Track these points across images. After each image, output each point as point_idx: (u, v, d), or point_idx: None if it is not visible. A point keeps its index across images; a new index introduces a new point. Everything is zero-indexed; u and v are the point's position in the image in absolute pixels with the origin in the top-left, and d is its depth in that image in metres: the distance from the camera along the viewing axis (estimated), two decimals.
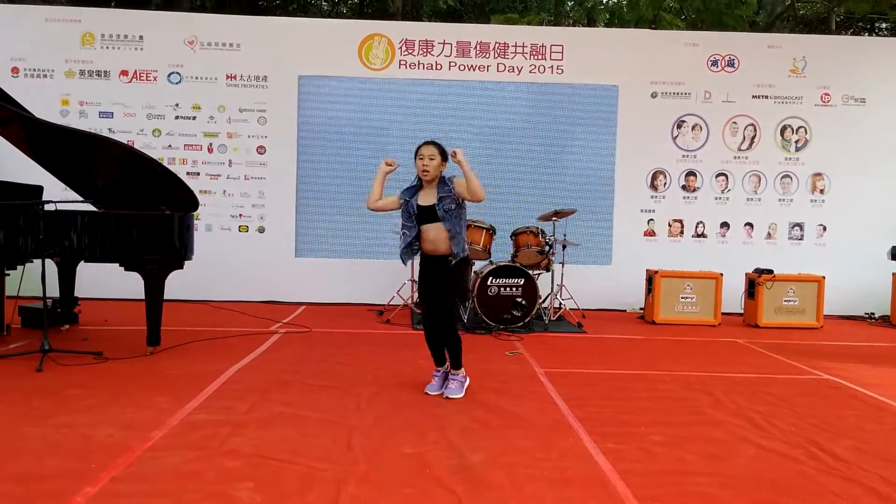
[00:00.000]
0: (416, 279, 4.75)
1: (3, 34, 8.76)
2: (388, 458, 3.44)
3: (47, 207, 5.35)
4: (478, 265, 8.03)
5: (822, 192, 9.40)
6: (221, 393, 4.58)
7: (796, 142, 9.37)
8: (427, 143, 4.52)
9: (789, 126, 9.34)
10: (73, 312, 6.91)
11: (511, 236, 7.85)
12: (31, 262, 6.04)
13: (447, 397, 4.54)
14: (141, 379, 4.88)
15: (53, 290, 6.59)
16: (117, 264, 5.61)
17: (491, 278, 7.33)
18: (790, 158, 9.38)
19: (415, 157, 4.51)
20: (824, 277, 8.43)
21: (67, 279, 6.79)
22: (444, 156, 4.50)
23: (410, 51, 9.08)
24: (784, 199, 9.39)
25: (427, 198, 4.51)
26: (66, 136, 5.75)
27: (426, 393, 4.62)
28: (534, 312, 7.40)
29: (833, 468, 3.49)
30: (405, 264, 4.77)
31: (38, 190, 6.33)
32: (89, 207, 6.02)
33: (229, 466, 3.27)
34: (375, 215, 7.18)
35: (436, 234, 4.48)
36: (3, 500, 2.85)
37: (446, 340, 4.62)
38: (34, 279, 5.70)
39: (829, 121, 9.31)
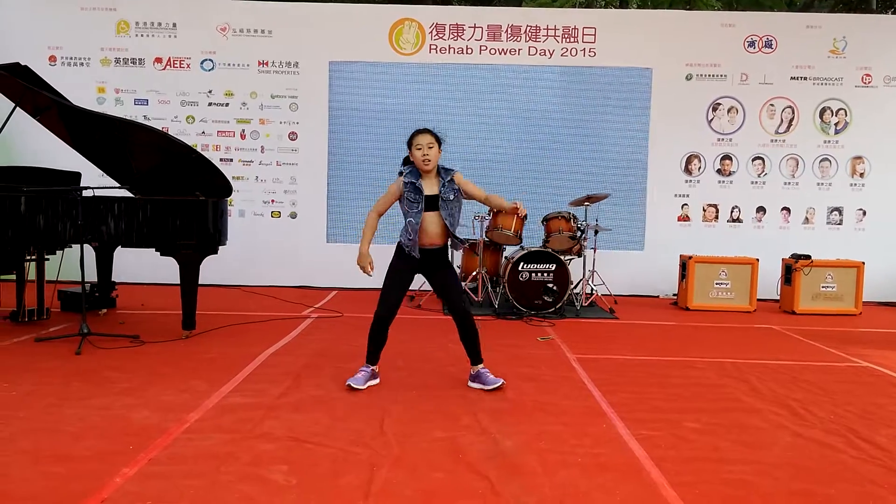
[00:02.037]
0: (393, 267, 4.37)
1: (41, 23, 8.89)
2: (421, 443, 3.45)
3: (85, 193, 5.44)
4: (509, 250, 8.01)
5: (861, 175, 9.19)
6: (255, 376, 4.62)
7: (836, 124, 9.16)
8: (421, 131, 4.23)
9: (829, 108, 9.14)
10: (111, 297, 7.02)
11: (542, 221, 7.80)
12: (70, 247, 6.16)
13: (490, 388, 4.35)
14: (177, 362, 4.95)
15: (91, 275, 6.71)
16: (153, 249, 5.68)
17: (522, 263, 7.30)
18: (829, 141, 9.18)
19: (409, 147, 4.24)
20: (864, 263, 8.25)
21: (105, 264, 6.90)
22: (439, 142, 4.26)
23: (441, 35, 9.03)
24: (823, 184, 9.21)
25: (429, 186, 4.27)
26: (103, 123, 5.83)
27: (350, 386, 4.29)
28: (565, 298, 7.35)
29: (873, 457, 3.42)
30: (418, 256, 4.30)
31: (77, 176, 6.43)
32: (125, 193, 6.11)
33: (264, 449, 3.31)
34: None
35: (435, 225, 4.26)
36: (44, 480, 2.91)
37: (472, 331, 4.37)
38: (73, 264, 5.81)
39: (870, 102, 9.09)
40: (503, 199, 4.55)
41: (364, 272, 4.31)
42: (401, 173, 4.32)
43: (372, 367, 4.45)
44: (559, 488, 2.96)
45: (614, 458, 3.32)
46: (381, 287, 4.39)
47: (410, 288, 4.52)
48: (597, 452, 3.38)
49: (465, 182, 4.36)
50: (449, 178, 4.29)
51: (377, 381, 4.48)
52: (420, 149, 4.20)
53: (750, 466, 3.26)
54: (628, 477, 3.11)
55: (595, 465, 3.22)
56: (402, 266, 4.36)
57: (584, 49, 9.03)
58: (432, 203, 4.26)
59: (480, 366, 4.45)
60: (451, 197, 4.28)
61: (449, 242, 4.37)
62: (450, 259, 4.48)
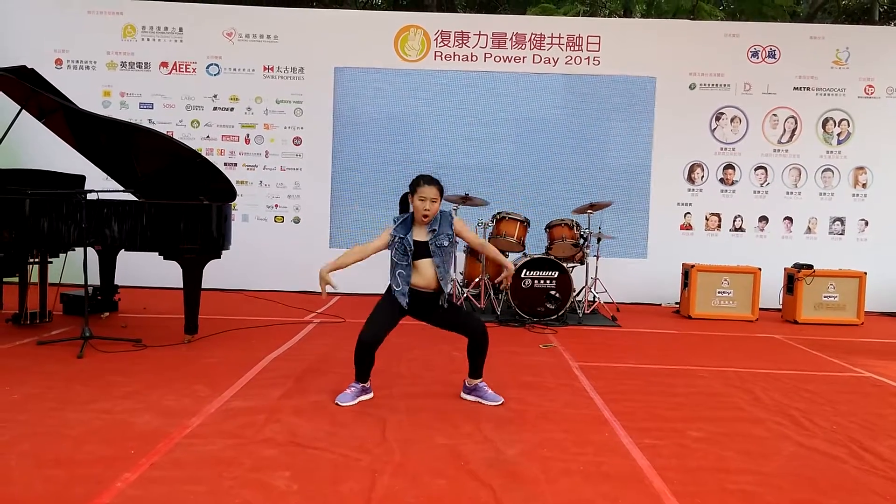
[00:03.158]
0: (385, 300, 4.24)
1: (47, 26, 8.92)
2: (423, 450, 3.45)
3: (89, 197, 5.45)
4: (512, 257, 7.99)
5: (864, 186, 9.19)
6: (258, 381, 4.62)
7: (838, 135, 9.17)
8: (428, 181, 4.08)
9: (831, 118, 9.15)
10: (113, 300, 7.03)
11: (545, 228, 7.80)
12: (73, 250, 6.17)
13: (489, 405, 4.26)
14: (179, 366, 4.95)
15: (94, 279, 6.72)
16: (156, 253, 5.69)
17: (525, 270, 7.30)
18: (832, 151, 9.19)
19: (411, 193, 4.10)
20: (866, 273, 8.24)
21: (108, 267, 6.91)
22: (442, 194, 4.12)
23: (446, 42, 9.06)
24: (825, 193, 9.21)
25: (420, 233, 4.14)
26: (108, 127, 5.85)
27: (337, 404, 4.14)
28: (568, 305, 7.35)
29: (876, 467, 3.41)
30: (406, 307, 4.17)
31: (81, 179, 6.44)
32: (129, 197, 6.11)
33: (266, 454, 3.30)
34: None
35: (428, 270, 4.13)
36: (46, 484, 2.91)
37: (484, 347, 4.26)
38: (76, 267, 5.82)
39: (873, 113, 9.10)
40: (499, 253, 4.46)
41: (320, 286, 4.20)
42: (395, 220, 4.20)
43: (362, 384, 4.29)
44: (561, 496, 2.96)
45: (617, 467, 3.31)
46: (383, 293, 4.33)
47: None
48: (599, 461, 3.38)
49: (464, 229, 4.25)
50: (447, 226, 4.15)
51: (370, 395, 4.31)
52: (423, 201, 4.05)
53: (752, 476, 3.25)
54: (630, 486, 3.10)
55: (597, 474, 3.21)
56: (393, 306, 4.21)
57: (589, 57, 9.05)
58: (423, 249, 4.13)
59: (479, 380, 4.37)
60: (446, 244, 4.15)
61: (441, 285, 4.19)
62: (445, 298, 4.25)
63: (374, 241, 4.22)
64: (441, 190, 4.12)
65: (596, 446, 3.59)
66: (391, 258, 4.19)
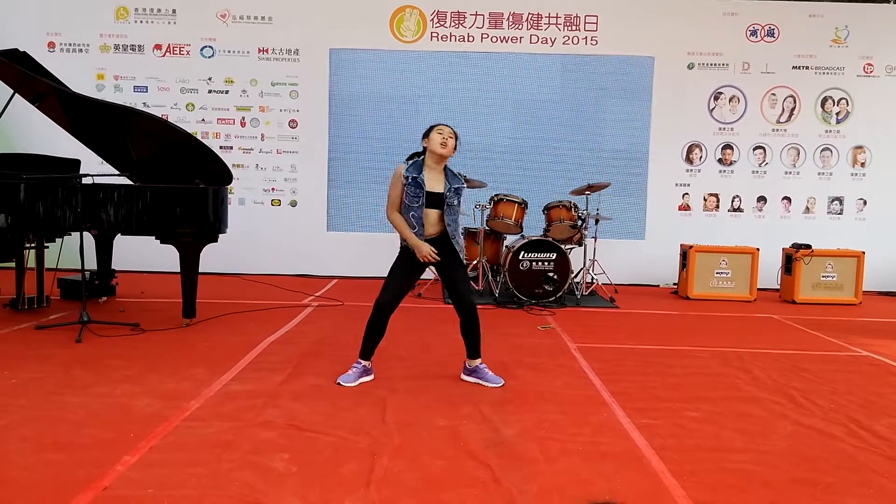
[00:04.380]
0: (399, 261, 4.28)
1: (40, 9, 8.84)
2: (422, 431, 3.45)
3: (85, 181, 5.42)
4: (510, 239, 8.00)
5: (862, 165, 9.18)
6: (256, 364, 4.62)
7: (837, 114, 9.14)
8: (444, 124, 4.25)
9: (830, 98, 9.11)
10: (111, 285, 7.02)
11: (543, 210, 7.78)
12: (70, 234, 6.15)
13: (489, 386, 4.26)
14: (177, 350, 4.95)
15: (91, 263, 6.71)
16: (153, 237, 5.67)
17: (523, 252, 7.29)
18: (830, 131, 9.16)
19: (429, 132, 4.20)
20: (864, 253, 8.24)
21: (105, 252, 6.89)
22: (457, 139, 4.22)
23: (442, 23, 8.99)
24: (823, 173, 9.19)
25: (433, 182, 4.18)
26: (102, 110, 5.80)
27: (339, 384, 4.16)
28: (566, 287, 7.35)
29: (874, 446, 3.42)
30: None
31: (76, 164, 6.41)
32: (125, 181, 6.09)
33: (265, 437, 3.31)
34: None
35: (435, 222, 4.20)
36: (46, 468, 2.91)
37: (474, 326, 4.28)
38: (72, 252, 5.81)
39: (872, 92, 9.07)
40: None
41: (431, 259, 4.18)
42: (406, 162, 4.26)
43: (364, 363, 4.29)
44: (560, 476, 2.97)
45: (615, 447, 3.32)
46: (381, 276, 4.33)
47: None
48: (597, 441, 3.39)
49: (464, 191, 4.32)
50: (457, 182, 4.22)
51: (371, 377, 4.31)
52: (441, 133, 4.16)
53: (750, 455, 3.27)
54: (629, 465, 3.11)
55: (596, 454, 3.22)
56: (408, 258, 4.26)
57: (586, 37, 8.99)
58: (434, 200, 4.17)
59: (478, 361, 4.38)
60: (456, 202, 4.23)
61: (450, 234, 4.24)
62: (456, 248, 4.28)
63: (391, 191, 4.24)
64: (456, 134, 4.23)
65: (594, 426, 3.60)
66: (403, 201, 4.21)
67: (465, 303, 4.27)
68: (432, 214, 4.20)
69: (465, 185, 4.28)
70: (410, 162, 4.25)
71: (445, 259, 4.26)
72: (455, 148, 4.21)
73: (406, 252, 4.26)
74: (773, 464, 3.17)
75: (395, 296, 4.23)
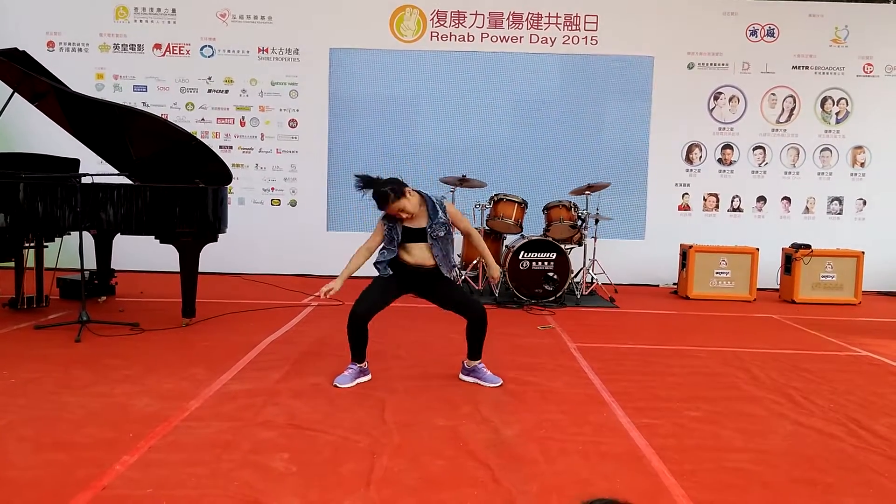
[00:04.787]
0: (381, 278, 4.29)
1: (39, 8, 8.83)
2: (422, 431, 3.45)
3: (84, 180, 5.41)
4: (510, 239, 8.00)
5: (862, 165, 9.18)
6: (256, 364, 4.62)
7: (837, 114, 9.14)
8: (382, 200, 4.03)
9: (830, 97, 9.11)
10: (110, 284, 7.01)
11: (543, 210, 7.78)
12: (69, 234, 6.14)
13: (488, 386, 4.26)
14: (177, 350, 4.94)
15: (91, 263, 6.70)
16: (153, 237, 5.66)
17: (523, 252, 7.29)
18: (830, 131, 9.16)
19: (384, 216, 4.13)
20: (863, 253, 8.24)
21: (104, 251, 6.89)
22: (400, 193, 4.01)
23: (442, 22, 8.99)
24: (823, 173, 9.19)
25: (415, 222, 4.16)
26: (102, 109, 5.80)
27: (335, 386, 4.14)
28: (566, 287, 7.34)
29: (873, 446, 3.42)
30: (382, 274, 4.27)
31: (75, 163, 6.41)
32: (125, 180, 6.09)
33: (264, 437, 3.31)
34: None
35: (420, 252, 4.16)
36: (45, 467, 2.91)
37: (483, 328, 4.27)
38: (72, 251, 5.80)
39: (872, 92, 9.07)
40: (484, 247, 4.42)
41: (323, 293, 4.21)
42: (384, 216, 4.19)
43: (359, 365, 4.28)
44: (560, 476, 2.97)
45: (615, 447, 3.32)
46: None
47: None
48: (597, 441, 3.39)
49: (455, 212, 4.25)
50: (440, 214, 4.13)
51: (368, 377, 4.31)
52: (398, 213, 4.06)
53: (750, 455, 3.26)
54: (629, 465, 3.11)
55: (596, 454, 3.22)
56: (392, 280, 4.25)
57: (586, 37, 8.99)
58: (418, 235, 4.14)
59: (478, 361, 4.38)
60: (442, 234, 4.16)
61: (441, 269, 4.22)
62: (445, 274, 4.25)
63: (371, 238, 4.26)
64: (396, 191, 4.01)
65: (594, 426, 3.60)
66: (381, 244, 4.26)
67: (477, 311, 4.25)
68: (417, 248, 4.16)
69: (446, 218, 4.15)
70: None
71: (434, 287, 4.26)
72: (409, 196, 4.05)
73: (390, 274, 4.25)
74: (772, 463, 3.17)
75: (369, 308, 4.21)
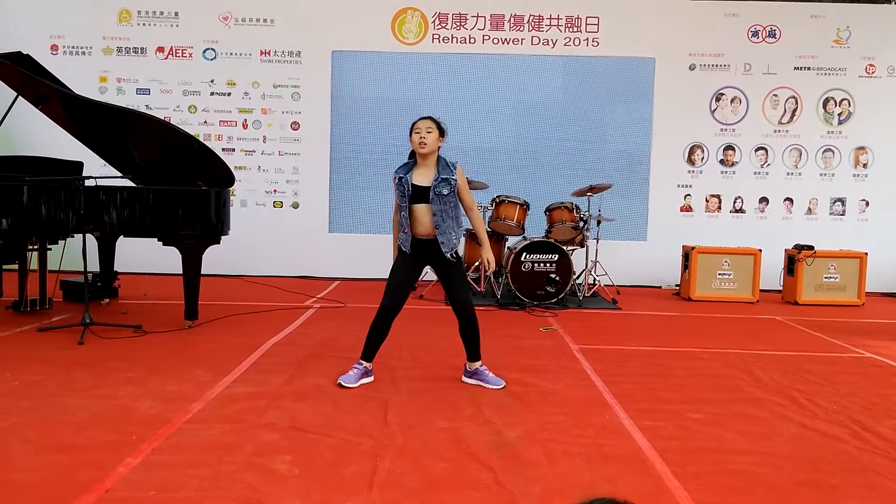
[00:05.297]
0: (396, 262, 4.28)
1: (43, 12, 8.85)
2: (424, 433, 3.45)
3: (87, 183, 5.42)
4: (512, 240, 7.99)
5: (864, 166, 9.17)
6: (258, 366, 4.62)
7: (839, 114, 9.13)
8: (423, 117, 4.17)
9: (832, 98, 9.11)
10: (113, 287, 7.03)
11: (545, 212, 7.78)
12: (72, 236, 6.15)
13: (491, 388, 4.25)
14: (179, 352, 4.95)
15: (94, 265, 6.70)
16: (155, 239, 5.67)
17: (525, 254, 7.29)
18: (832, 132, 9.15)
19: (410, 134, 4.16)
20: (866, 254, 8.23)
21: (107, 254, 6.90)
22: (441, 131, 4.15)
23: (444, 24, 9.00)
24: (826, 174, 9.19)
25: (422, 177, 4.15)
26: (105, 112, 5.81)
27: (340, 385, 4.15)
28: (568, 288, 7.34)
29: (877, 448, 3.41)
30: (408, 250, 4.22)
31: (79, 166, 6.42)
32: (128, 183, 6.10)
33: (267, 439, 3.31)
34: None
35: (424, 216, 4.13)
36: (49, 470, 2.91)
37: (472, 329, 4.28)
38: (75, 254, 5.81)
39: (874, 93, 9.06)
40: (483, 229, 4.45)
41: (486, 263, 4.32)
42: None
43: (366, 365, 4.29)
44: (562, 479, 2.96)
45: (618, 449, 3.32)
46: (383, 278, 4.33)
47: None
48: (600, 443, 3.38)
49: (464, 180, 4.22)
50: (447, 173, 4.14)
51: (371, 378, 4.30)
52: (418, 132, 4.11)
53: (754, 457, 3.26)
54: (632, 467, 3.11)
55: (598, 456, 3.22)
56: (404, 260, 4.28)
57: (588, 39, 8.99)
58: (423, 194, 4.13)
59: (479, 363, 4.38)
60: (446, 192, 4.12)
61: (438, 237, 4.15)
62: (455, 252, 4.24)
63: (396, 195, 4.27)
64: (436, 122, 4.15)
65: (597, 428, 3.59)
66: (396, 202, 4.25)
67: (461, 306, 4.27)
68: (423, 211, 4.14)
69: (455, 176, 4.15)
70: (405, 162, 4.26)
71: (444, 270, 4.25)
72: (441, 137, 4.16)
73: (402, 252, 4.27)
74: (776, 466, 3.17)
75: (396, 300, 4.23)
